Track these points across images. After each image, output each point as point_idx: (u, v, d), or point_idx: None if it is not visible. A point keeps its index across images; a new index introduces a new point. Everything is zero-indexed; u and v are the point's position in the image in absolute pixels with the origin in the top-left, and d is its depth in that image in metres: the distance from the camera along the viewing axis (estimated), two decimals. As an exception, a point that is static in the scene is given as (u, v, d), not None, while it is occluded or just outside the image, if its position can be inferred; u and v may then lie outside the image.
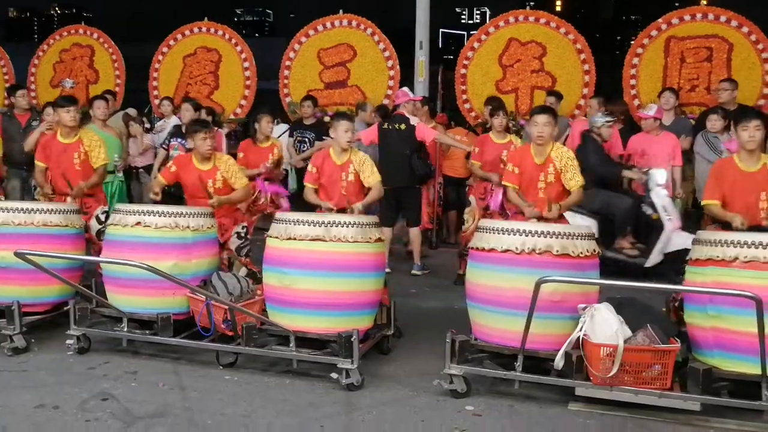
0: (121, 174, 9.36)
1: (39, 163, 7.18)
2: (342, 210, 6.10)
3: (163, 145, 9.36)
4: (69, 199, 6.87)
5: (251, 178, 7.55)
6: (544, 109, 6.24)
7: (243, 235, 6.64)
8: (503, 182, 6.41)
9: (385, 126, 8.84)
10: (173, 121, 10.07)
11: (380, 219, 6.02)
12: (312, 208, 6.33)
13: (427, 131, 8.79)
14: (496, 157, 7.93)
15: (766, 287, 4.23)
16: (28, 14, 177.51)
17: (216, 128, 6.94)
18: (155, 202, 6.40)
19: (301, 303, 5.19)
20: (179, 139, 8.86)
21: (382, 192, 6.38)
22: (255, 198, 7.76)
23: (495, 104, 8.60)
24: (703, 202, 5.83)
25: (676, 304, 5.42)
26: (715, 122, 8.72)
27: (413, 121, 8.85)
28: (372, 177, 6.22)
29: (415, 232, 8.85)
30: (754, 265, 4.38)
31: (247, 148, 8.09)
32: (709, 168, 8.57)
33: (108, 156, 7.28)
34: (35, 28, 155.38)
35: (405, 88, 9.75)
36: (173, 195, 8.53)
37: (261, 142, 8.09)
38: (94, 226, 6.89)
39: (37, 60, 13.86)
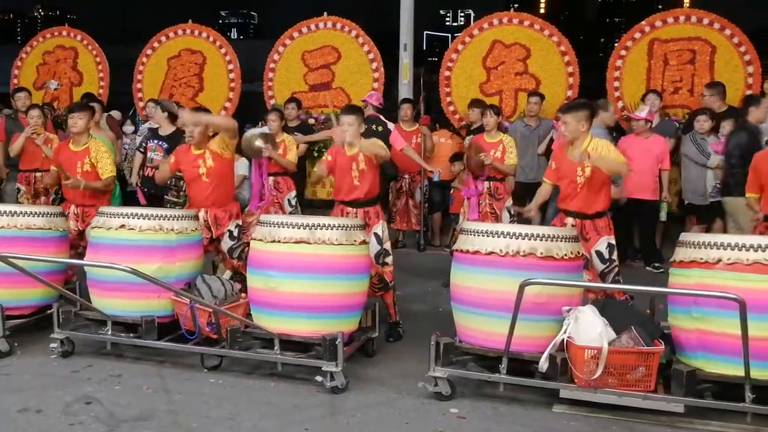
0: None
1: (54, 168, 7.22)
2: (353, 202, 6.21)
3: (140, 149, 9.33)
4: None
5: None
6: (566, 108, 6.06)
7: (236, 235, 6.51)
8: (543, 178, 6.30)
9: (372, 127, 8.92)
10: (150, 123, 10.08)
11: None
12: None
13: (399, 139, 8.98)
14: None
15: (749, 289, 4.27)
16: (11, 16, 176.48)
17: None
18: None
19: (286, 306, 5.18)
20: (156, 141, 8.91)
21: (385, 154, 6.33)
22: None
23: (484, 104, 8.70)
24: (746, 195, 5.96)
25: None
26: (703, 123, 8.77)
27: (390, 125, 9.18)
28: (381, 147, 6.26)
29: None
30: (737, 267, 4.40)
31: None
32: (696, 170, 8.72)
33: (114, 168, 7.20)
34: (18, 30, 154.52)
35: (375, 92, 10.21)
36: (154, 195, 8.57)
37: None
38: (90, 234, 6.87)
39: (21, 62, 13.80)
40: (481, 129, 8.88)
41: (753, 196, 6.08)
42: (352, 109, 6.45)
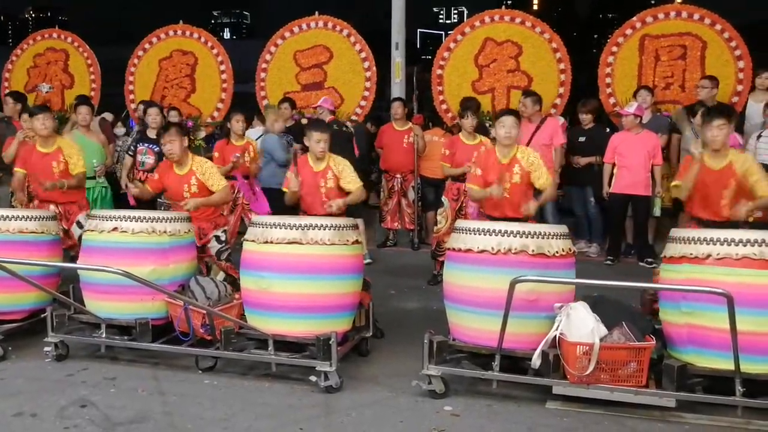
0: (103, 179, 9.32)
1: (18, 170, 7.26)
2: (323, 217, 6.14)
3: (129, 152, 9.35)
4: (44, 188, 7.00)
5: (228, 177, 7.72)
6: (511, 111, 6.32)
7: (223, 239, 6.60)
8: (467, 184, 6.44)
9: (335, 127, 9.12)
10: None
11: None
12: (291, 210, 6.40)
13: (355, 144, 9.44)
14: (467, 158, 7.98)
15: (739, 283, 4.32)
16: (1, 18, 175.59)
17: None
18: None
19: (279, 306, 5.19)
20: (146, 144, 8.95)
21: (364, 196, 6.38)
22: (234, 198, 7.89)
23: (464, 105, 8.65)
24: (673, 183, 5.97)
25: (651, 297, 5.52)
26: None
27: (351, 127, 9.79)
28: (353, 183, 6.23)
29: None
30: (726, 261, 4.45)
31: (222, 148, 8.32)
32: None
33: (86, 164, 7.26)
34: (9, 32, 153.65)
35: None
36: (147, 199, 8.57)
37: (236, 141, 8.32)
38: (76, 231, 6.94)
39: (11, 65, 13.74)
40: (476, 129, 8.88)
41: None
42: (322, 124, 6.47)
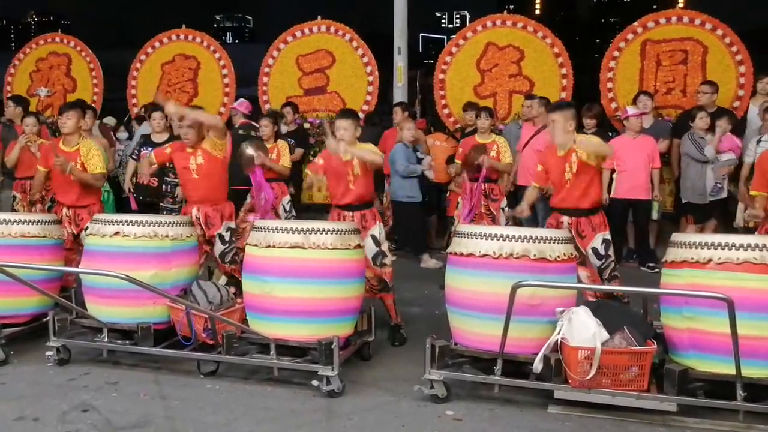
0: (105, 183, 9.32)
1: (40, 169, 7.23)
2: (350, 206, 6.22)
3: (133, 156, 9.37)
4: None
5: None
6: (555, 107, 6.20)
7: (228, 239, 6.49)
8: (532, 182, 6.45)
9: (241, 132, 9.30)
10: (143, 130, 10.10)
11: None
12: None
13: None
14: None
15: (740, 288, 4.32)
16: (4, 22, 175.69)
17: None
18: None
19: (281, 311, 5.19)
20: (150, 148, 8.93)
21: (378, 161, 6.28)
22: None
23: (477, 107, 8.71)
24: (750, 192, 5.88)
25: None
26: (704, 119, 8.81)
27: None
28: (374, 153, 6.23)
29: None
30: (727, 266, 4.44)
31: None
32: (696, 169, 8.76)
33: (105, 166, 7.17)
34: (12, 36, 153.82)
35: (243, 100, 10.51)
36: (149, 203, 8.60)
37: (266, 143, 8.62)
38: (84, 237, 6.93)
39: (14, 69, 13.78)
40: (476, 131, 8.91)
41: (757, 194, 6.02)
42: (346, 113, 6.46)
